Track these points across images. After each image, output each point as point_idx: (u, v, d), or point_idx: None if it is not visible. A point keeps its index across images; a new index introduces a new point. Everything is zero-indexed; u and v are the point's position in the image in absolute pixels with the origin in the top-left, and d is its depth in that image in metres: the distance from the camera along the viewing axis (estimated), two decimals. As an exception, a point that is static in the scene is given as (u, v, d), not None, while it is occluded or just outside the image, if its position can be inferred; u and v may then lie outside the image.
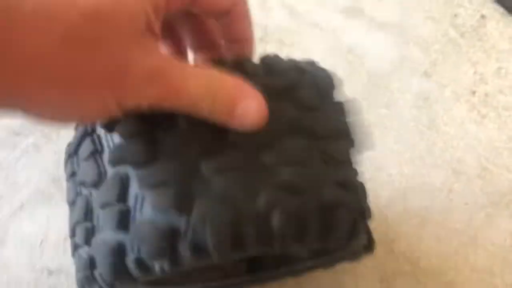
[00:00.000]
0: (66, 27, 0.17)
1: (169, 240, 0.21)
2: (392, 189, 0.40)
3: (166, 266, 0.21)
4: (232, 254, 0.21)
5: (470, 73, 0.45)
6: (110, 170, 0.23)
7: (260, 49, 0.46)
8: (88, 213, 0.24)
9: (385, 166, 0.41)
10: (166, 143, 0.22)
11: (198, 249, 0.21)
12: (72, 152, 0.26)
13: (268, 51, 0.45)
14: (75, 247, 0.25)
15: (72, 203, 0.25)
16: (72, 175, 0.26)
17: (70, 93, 0.19)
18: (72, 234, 0.25)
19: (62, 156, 0.40)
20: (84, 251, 0.24)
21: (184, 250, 0.21)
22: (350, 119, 0.27)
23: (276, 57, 0.27)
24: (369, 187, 0.40)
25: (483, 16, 0.48)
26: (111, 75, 0.19)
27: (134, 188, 0.22)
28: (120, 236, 0.21)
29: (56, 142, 0.41)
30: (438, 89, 0.45)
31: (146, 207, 0.21)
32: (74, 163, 0.26)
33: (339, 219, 0.23)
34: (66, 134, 0.41)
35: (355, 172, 0.26)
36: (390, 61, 0.46)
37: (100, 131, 0.24)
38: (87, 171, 0.24)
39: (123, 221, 0.22)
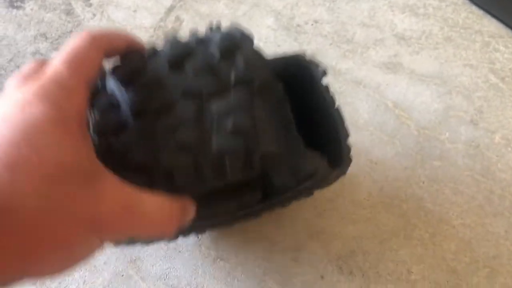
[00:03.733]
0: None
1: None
2: (457, 241, 0.41)
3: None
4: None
5: (516, 117, 0.47)
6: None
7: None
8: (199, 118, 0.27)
9: (447, 219, 0.42)
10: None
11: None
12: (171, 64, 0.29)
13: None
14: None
15: (165, 109, 0.28)
16: (157, 81, 0.29)
17: (66, 252, 0.22)
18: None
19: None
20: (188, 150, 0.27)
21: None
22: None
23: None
24: (434, 240, 0.41)
25: (520, 59, 0.50)
26: (91, 223, 0.22)
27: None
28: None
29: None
30: (487, 135, 0.46)
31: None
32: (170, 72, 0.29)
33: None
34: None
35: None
36: (436, 112, 0.47)
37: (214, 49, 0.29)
38: (204, 82, 0.28)
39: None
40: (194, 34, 0.31)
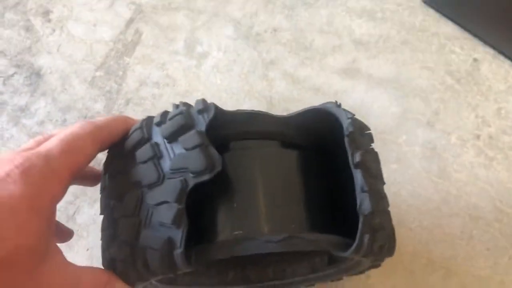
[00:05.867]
0: None
1: None
2: (414, 243, 0.42)
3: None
4: None
5: (472, 118, 0.47)
6: (169, 175, 0.26)
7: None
8: (137, 209, 0.27)
9: (405, 221, 0.43)
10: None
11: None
12: (124, 154, 0.29)
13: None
14: (114, 237, 0.27)
15: (119, 199, 0.28)
16: (120, 172, 0.29)
17: None
18: (113, 225, 0.27)
19: (95, 252, 0.42)
20: (125, 241, 0.26)
21: None
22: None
23: None
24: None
25: (475, 60, 0.51)
26: None
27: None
28: (172, 232, 0.25)
29: (86, 238, 0.43)
30: (444, 137, 0.46)
31: None
32: (124, 163, 0.28)
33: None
34: (95, 230, 0.43)
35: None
36: (393, 115, 0.48)
37: (159, 139, 0.28)
38: (146, 172, 0.27)
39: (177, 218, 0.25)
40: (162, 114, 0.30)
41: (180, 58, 0.52)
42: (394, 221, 0.43)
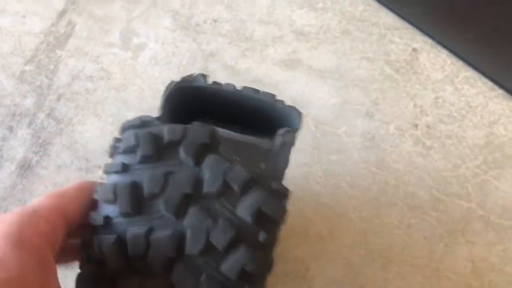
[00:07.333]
0: None
1: None
2: (354, 234, 0.42)
3: None
4: None
5: (410, 107, 0.48)
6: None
7: (208, 114, 0.47)
8: None
9: (344, 212, 0.43)
10: None
11: None
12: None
13: (216, 116, 0.46)
14: None
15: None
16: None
17: None
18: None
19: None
20: None
21: None
22: None
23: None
24: (332, 236, 0.42)
25: (414, 50, 0.51)
26: None
27: None
28: None
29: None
30: (383, 127, 0.47)
31: None
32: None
33: None
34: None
35: None
36: (333, 106, 0.48)
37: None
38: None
39: None
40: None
41: (115, 51, 0.50)
42: (335, 213, 0.43)
